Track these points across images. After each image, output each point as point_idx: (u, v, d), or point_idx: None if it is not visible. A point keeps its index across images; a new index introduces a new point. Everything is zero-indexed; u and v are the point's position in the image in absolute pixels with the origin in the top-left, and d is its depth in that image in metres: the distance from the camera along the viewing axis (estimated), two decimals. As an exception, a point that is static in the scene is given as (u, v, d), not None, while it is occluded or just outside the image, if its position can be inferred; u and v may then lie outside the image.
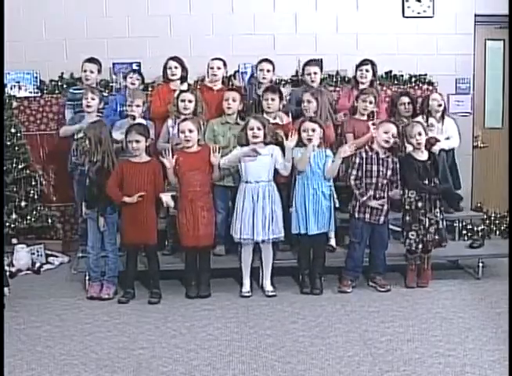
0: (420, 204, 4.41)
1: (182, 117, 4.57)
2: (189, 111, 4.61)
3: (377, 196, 4.35)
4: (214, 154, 4.28)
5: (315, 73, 5.05)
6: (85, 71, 5.11)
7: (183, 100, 4.62)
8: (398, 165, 4.40)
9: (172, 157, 4.24)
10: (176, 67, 5.11)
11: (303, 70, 5.15)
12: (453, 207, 5.14)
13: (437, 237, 4.47)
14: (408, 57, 5.75)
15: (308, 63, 5.13)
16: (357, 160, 4.36)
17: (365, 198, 4.31)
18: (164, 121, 4.81)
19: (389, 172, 4.36)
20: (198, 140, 4.36)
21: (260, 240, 4.32)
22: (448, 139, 5.09)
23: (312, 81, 5.03)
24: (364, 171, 4.35)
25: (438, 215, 4.45)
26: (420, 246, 4.45)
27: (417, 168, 4.39)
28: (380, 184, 4.35)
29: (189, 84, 5.14)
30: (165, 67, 5.14)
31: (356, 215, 4.39)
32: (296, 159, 4.31)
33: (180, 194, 4.35)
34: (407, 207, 4.45)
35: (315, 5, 5.83)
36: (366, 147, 4.41)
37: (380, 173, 4.35)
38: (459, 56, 5.86)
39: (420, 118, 5.02)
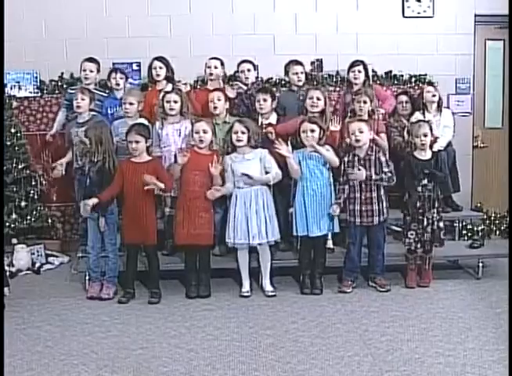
0: (419, 204, 4.41)
1: (169, 118, 4.59)
2: (175, 112, 4.61)
3: (363, 197, 4.34)
4: (216, 165, 4.27)
5: (301, 72, 5.08)
6: (85, 70, 5.12)
7: (168, 101, 4.61)
8: (384, 158, 4.37)
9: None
10: (161, 68, 5.10)
11: (288, 69, 5.14)
12: (452, 208, 5.14)
13: (435, 237, 4.46)
14: (408, 57, 5.76)
15: (292, 62, 5.13)
16: (341, 167, 4.38)
17: (333, 207, 4.31)
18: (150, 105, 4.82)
19: (372, 170, 4.33)
20: (211, 143, 4.37)
21: (256, 243, 4.32)
22: (444, 129, 5.09)
23: (299, 81, 5.05)
24: (347, 174, 4.36)
25: (435, 215, 4.44)
26: (419, 246, 4.46)
27: (415, 169, 4.39)
28: (364, 185, 4.34)
29: (173, 85, 5.05)
30: (150, 68, 5.13)
31: (348, 218, 4.41)
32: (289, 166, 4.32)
33: (179, 193, 4.36)
34: (414, 197, 4.43)
35: (315, 5, 5.83)
36: (350, 152, 4.41)
37: (363, 186, 4.33)
38: (459, 56, 5.86)
39: (417, 114, 5.03)
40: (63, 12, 5.62)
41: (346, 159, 4.38)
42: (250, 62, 5.15)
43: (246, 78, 5.09)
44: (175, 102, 4.61)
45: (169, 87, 4.96)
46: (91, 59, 5.16)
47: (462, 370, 3.13)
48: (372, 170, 4.33)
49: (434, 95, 5.12)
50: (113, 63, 5.55)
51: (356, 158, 4.36)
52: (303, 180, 4.37)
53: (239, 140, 4.33)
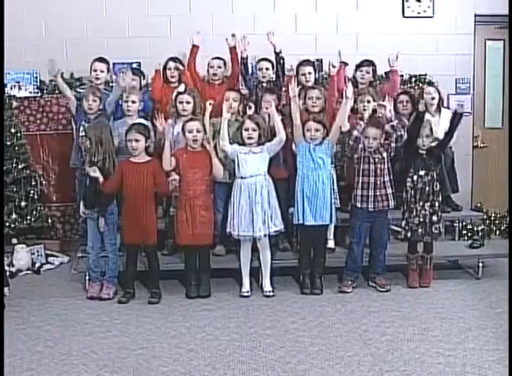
0: (413, 193, 4.41)
1: (182, 118, 4.59)
2: (188, 112, 4.62)
3: (378, 193, 4.35)
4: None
5: (309, 73, 5.04)
6: (95, 70, 5.05)
7: (181, 102, 4.63)
8: (391, 146, 4.38)
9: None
10: (176, 68, 5.11)
11: (297, 70, 5.15)
12: (452, 207, 5.14)
13: (426, 231, 4.46)
14: (408, 57, 5.72)
15: (302, 63, 5.11)
16: (354, 133, 4.37)
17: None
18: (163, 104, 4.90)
19: (384, 155, 4.34)
20: (202, 141, 4.38)
21: (262, 235, 4.30)
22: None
23: (307, 81, 5.03)
24: (361, 170, 4.36)
25: (428, 207, 4.43)
26: (421, 230, 4.43)
27: (414, 160, 4.42)
28: (378, 182, 4.35)
29: (186, 86, 5.10)
30: (165, 68, 5.14)
31: (359, 205, 4.37)
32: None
33: (180, 193, 4.36)
34: (408, 186, 4.45)
35: (315, 5, 5.84)
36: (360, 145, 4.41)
37: (378, 171, 4.34)
38: (459, 56, 5.86)
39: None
40: (63, 12, 5.63)
41: (360, 153, 4.38)
42: (268, 60, 5.14)
43: (264, 77, 5.09)
44: (188, 102, 4.63)
45: (182, 87, 4.96)
46: (101, 59, 5.12)
47: (462, 370, 3.13)
48: (384, 155, 4.34)
49: (433, 98, 5.10)
50: (113, 63, 5.54)
51: (369, 154, 4.35)
52: (304, 168, 4.37)
53: (250, 137, 4.34)
